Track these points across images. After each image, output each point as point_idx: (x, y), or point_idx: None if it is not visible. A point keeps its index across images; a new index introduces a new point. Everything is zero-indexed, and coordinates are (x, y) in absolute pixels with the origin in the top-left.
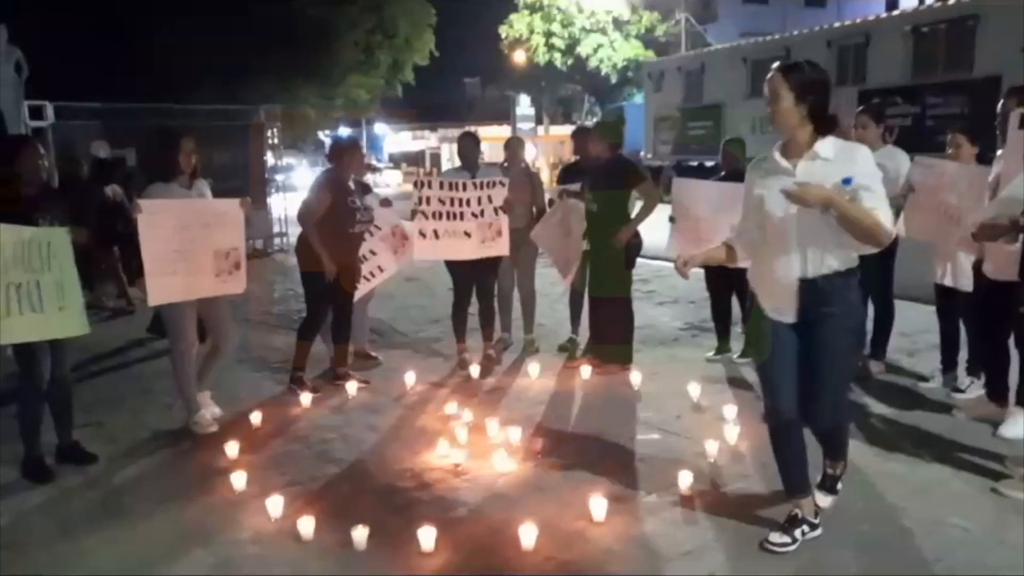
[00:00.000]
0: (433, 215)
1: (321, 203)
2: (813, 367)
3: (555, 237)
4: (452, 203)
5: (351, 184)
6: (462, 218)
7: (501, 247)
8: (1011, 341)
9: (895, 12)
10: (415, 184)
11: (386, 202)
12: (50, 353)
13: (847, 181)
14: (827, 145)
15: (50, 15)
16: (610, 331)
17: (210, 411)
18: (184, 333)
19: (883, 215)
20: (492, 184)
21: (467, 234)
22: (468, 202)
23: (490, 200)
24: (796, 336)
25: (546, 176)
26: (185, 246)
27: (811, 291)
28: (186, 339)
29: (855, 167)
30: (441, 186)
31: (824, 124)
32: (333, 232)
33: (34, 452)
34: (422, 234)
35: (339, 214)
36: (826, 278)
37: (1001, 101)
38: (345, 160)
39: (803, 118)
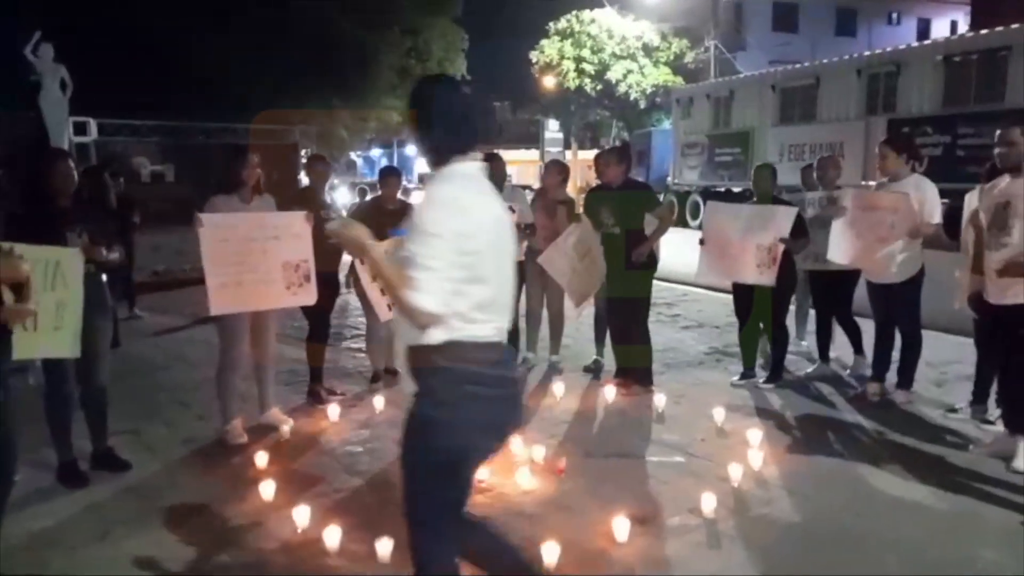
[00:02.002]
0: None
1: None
2: None
3: (568, 261)
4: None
5: (326, 198)
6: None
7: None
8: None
9: (927, 42)
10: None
11: None
12: (81, 363)
13: (400, 232)
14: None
15: (96, 35)
16: (629, 332)
17: (283, 423)
18: (238, 341)
19: (414, 288)
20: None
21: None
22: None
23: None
24: None
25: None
26: (252, 258)
27: (409, 362)
28: (239, 347)
29: (415, 215)
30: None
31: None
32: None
33: (66, 457)
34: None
35: (317, 227)
36: (417, 350)
37: (1000, 132)
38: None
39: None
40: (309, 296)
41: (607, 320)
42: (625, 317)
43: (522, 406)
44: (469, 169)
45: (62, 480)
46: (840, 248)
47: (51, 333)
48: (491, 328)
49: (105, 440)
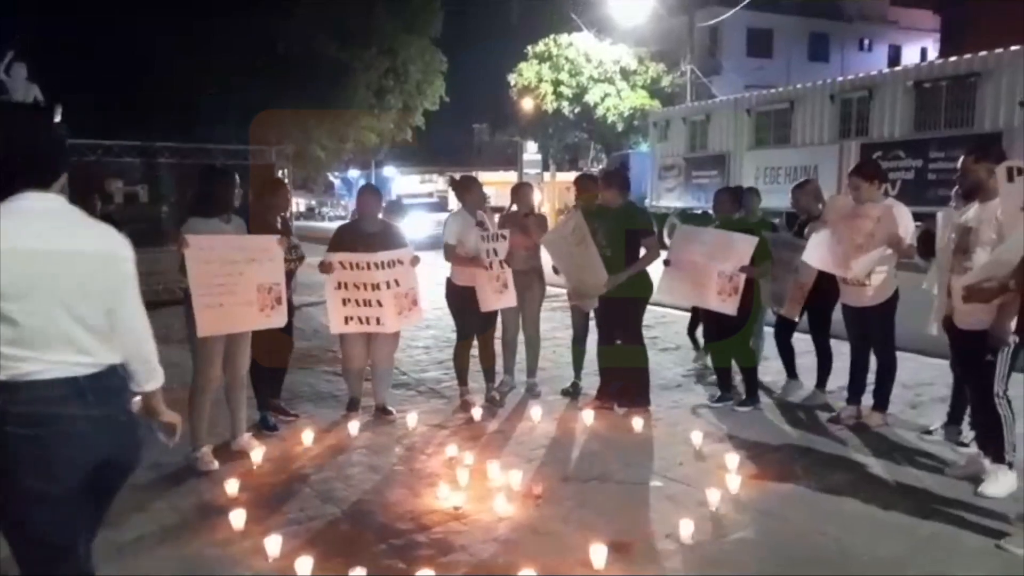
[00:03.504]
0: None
1: None
2: None
3: (567, 245)
4: (488, 253)
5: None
6: (491, 267)
7: (509, 299)
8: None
9: (898, 68)
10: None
11: (415, 260)
12: None
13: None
14: None
15: (70, 52)
16: (622, 332)
17: (254, 448)
18: (212, 364)
19: None
20: (496, 238)
21: (505, 286)
22: (494, 252)
23: (496, 253)
24: None
25: (551, 221)
26: (230, 280)
27: None
28: (213, 370)
29: None
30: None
31: None
32: None
33: None
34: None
35: None
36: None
37: (961, 158)
38: (265, 199)
39: None
40: (280, 318)
41: (598, 323)
42: (619, 316)
43: (100, 442)
44: (27, 204)
45: None
46: (816, 254)
47: None
48: (32, 365)
49: None
